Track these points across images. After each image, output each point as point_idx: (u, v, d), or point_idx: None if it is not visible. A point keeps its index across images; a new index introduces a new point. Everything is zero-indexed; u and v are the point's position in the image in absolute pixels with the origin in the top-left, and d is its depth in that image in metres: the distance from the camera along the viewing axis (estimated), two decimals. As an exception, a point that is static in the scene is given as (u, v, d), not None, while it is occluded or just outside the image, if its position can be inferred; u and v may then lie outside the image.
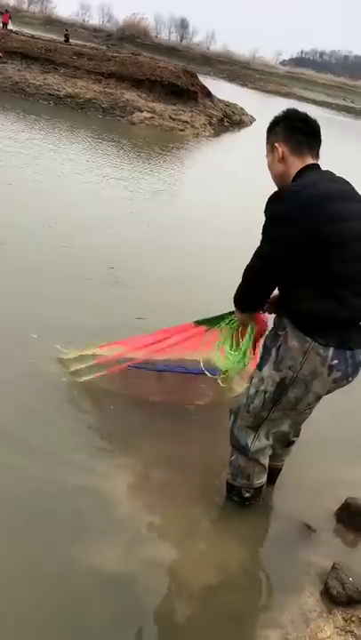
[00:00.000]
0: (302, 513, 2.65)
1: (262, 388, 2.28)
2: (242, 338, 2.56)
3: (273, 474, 2.69)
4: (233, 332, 2.60)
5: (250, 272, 2.21)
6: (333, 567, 2.30)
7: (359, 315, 2.13)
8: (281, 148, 2.21)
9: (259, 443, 2.42)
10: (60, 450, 2.72)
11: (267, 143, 2.30)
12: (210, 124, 17.25)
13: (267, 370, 2.26)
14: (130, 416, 3.05)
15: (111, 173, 8.63)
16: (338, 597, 2.20)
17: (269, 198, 2.12)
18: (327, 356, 2.11)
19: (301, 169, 2.19)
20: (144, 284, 4.77)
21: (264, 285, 2.21)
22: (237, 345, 2.60)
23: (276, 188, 2.20)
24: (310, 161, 2.21)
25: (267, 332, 2.39)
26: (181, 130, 15.39)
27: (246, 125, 20.89)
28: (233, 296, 2.36)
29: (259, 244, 2.14)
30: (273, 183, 2.30)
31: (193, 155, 13.13)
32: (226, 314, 2.62)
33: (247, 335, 2.49)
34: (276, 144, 2.23)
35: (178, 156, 12.19)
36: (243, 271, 2.23)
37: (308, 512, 2.66)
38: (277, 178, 2.27)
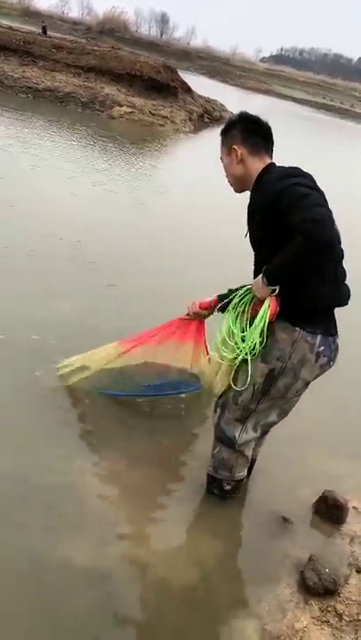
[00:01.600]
0: (280, 506, 2.69)
1: (250, 380, 2.30)
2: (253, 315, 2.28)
3: (250, 465, 2.72)
4: (247, 305, 2.32)
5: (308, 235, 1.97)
6: (310, 559, 2.34)
7: (345, 301, 2.25)
8: (240, 150, 2.26)
9: (246, 435, 2.44)
10: (34, 445, 2.71)
11: (223, 146, 2.34)
12: (190, 119, 17.23)
13: (253, 363, 2.28)
14: (108, 413, 3.04)
15: (89, 167, 8.59)
16: (314, 588, 2.24)
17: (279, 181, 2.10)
18: (315, 344, 2.21)
19: (265, 168, 2.25)
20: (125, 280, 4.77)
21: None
22: (250, 321, 2.28)
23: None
24: (269, 161, 2.28)
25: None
26: (161, 125, 15.35)
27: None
28: (265, 268, 2.16)
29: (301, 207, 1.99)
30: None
31: (172, 150, 13.12)
32: (238, 288, 2.41)
33: (262, 312, 2.22)
34: (234, 146, 2.27)
35: (157, 152, 12.17)
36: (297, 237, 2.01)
37: (285, 505, 2.70)
38: (237, 180, 2.33)
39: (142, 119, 15.11)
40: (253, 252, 2.35)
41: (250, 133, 2.27)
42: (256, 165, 2.26)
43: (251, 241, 2.32)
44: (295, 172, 2.13)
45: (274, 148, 2.34)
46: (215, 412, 2.50)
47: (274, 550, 2.44)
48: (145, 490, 2.61)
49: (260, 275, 2.17)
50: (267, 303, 2.20)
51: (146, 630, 2.02)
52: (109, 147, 10.80)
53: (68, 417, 2.95)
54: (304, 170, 2.17)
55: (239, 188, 2.36)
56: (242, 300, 2.34)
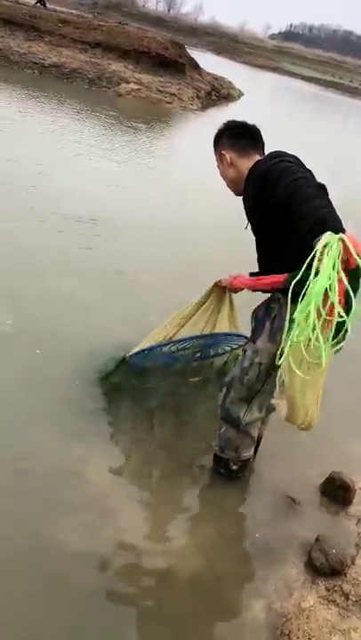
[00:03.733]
0: (287, 486, 2.69)
1: (257, 360, 2.34)
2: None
3: (256, 444, 2.73)
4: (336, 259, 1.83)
5: None
6: (317, 539, 2.35)
7: None
8: (228, 155, 2.41)
9: (251, 415, 2.46)
10: (35, 427, 2.68)
11: (215, 154, 2.50)
12: (197, 97, 17.01)
13: (261, 342, 2.33)
14: (112, 399, 2.98)
15: (96, 144, 8.50)
16: (321, 568, 2.26)
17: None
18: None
19: (254, 164, 2.32)
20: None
21: None
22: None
23: None
24: (258, 158, 2.36)
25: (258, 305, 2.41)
26: (168, 102, 15.16)
27: (234, 99, 20.64)
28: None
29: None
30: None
31: (180, 128, 12.98)
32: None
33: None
34: (223, 152, 2.42)
35: (163, 130, 12.04)
36: None
37: (292, 486, 2.70)
38: (231, 182, 2.45)
39: (149, 96, 14.92)
40: (256, 245, 2.40)
41: (236, 138, 2.41)
42: (246, 164, 2.36)
43: (254, 233, 2.39)
44: (277, 154, 2.21)
45: (273, 142, 2.49)
46: (221, 390, 2.53)
47: (281, 531, 2.45)
48: (148, 472, 2.61)
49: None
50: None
51: (151, 610, 2.03)
52: (116, 124, 10.68)
53: (69, 396, 2.94)
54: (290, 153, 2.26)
55: (237, 190, 2.44)
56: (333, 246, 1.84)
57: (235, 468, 2.59)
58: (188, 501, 2.52)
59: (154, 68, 16.66)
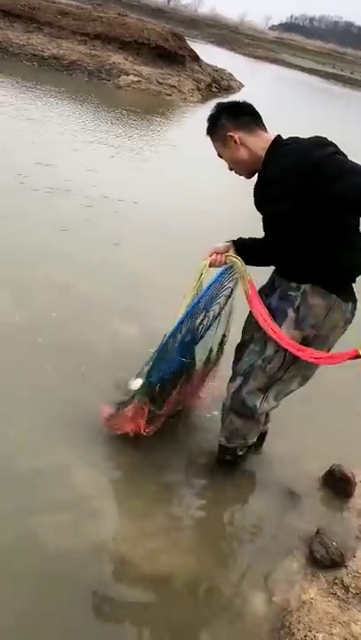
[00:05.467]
0: (287, 480, 2.70)
1: (283, 347, 2.24)
2: None
3: (262, 437, 2.74)
4: None
5: None
6: (317, 532, 2.36)
7: None
8: (236, 134, 2.20)
9: (267, 405, 2.40)
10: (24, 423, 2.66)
11: (216, 142, 2.27)
12: (198, 89, 16.91)
13: (286, 329, 2.23)
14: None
15: (101, 138, 8.47)
16: (322, 561, 2.26)
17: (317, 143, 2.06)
18: (347, 310, 2.23)
19: (275, 140, 2.18)
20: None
21: None
22: None
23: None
24: (268, 135, 2.21)
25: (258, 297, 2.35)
26: (168, 95, 15.07)
27: (235, 91, 20.52)
28: None
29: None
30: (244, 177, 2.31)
31: (179, 120, 12.91)
32: None
33: None
34: (229, 134, 2.20)
35: (163, 122, 11.98)
36: None
37: (293, 479, 2.71)
38: (244, 164, 2.25)
39: (149, 88, 14.84)
40: (267, 231, 2.32)
41: (237, 116, 2.22)
42: (257, 142, 2.21)
43: (268, 219, 2.27)
44: (325, 142, 2.07)
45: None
46: (234, 380, 2.43)
47: (281, 524, 2.46)
48: (146, 464, 2.59)
49: None
50: None
51: (150, 604, 2.04)
52: (116, 117, 10.63)
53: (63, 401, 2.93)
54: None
55: (250, 172, 2.28)
56: None
57: (241, 453, 2.58)
58: (186, 496, 2.52)
59: (154, 60, 16.56)
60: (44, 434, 2.61)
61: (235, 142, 2.20)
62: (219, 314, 2.62)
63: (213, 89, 18.79)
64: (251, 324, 2.47)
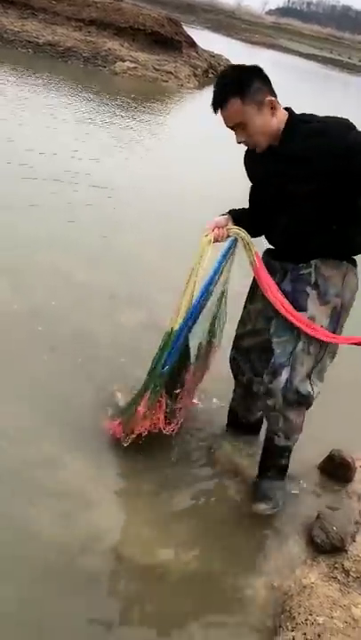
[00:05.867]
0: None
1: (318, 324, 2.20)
2: None
3: (260, 423, 2.76)
4: None
5: None
6: (318, 517, 2.36)
7: None
8: (274, 100, 2.04)
9: (316, 387, 2.29)
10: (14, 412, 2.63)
11: (247, 105, 2.01)
12: (194, 75, 16.77)
13: (312, 308, 2.18)
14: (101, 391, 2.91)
15: (95, 123, 8.41)
16: (322, 546, 2.27)
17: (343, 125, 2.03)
18: (357, 275, 2.25)
19: (291, 114, 2.11)
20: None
21: None
22: None
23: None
24: (281, 105, 2.10)
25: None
26: (165, 81, 14.95)
27: (231, 77, 20.36)
28: None
29: None
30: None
31: (175, 107, 12.82)
32: None
33: None
34: (267, 99, 2.03)
35: (160, 109, 11.89)
36: None
37: (292, 464, 2.69)
38: (269, 136, 2.08)
39: (146, 75, 14.71)
40: (275, 211, 2.21)
41: (268, 81, 2.06)
42: (282, 114, 2.08)
43: (285, 199, 2.15)
44: (352, 124, 2.02)
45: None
46: (278, 375, 2.23)
47: (282, 509, 2.46)
48: (141, 454, 2.54)
49: None
50: None
51: (147, 594, 2.04)
52: (115, 104, 10.55)
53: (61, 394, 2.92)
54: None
55: (268, 144, 2.10)
56: None
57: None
58: (182, 485, 2.50)
59: (150, 46, 16.40)
60: (39, 424, 2.60)
61: (272, 109, 2.04)
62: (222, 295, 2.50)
63: (210, 75, 18.61)
64: (251, 312, 2.45)
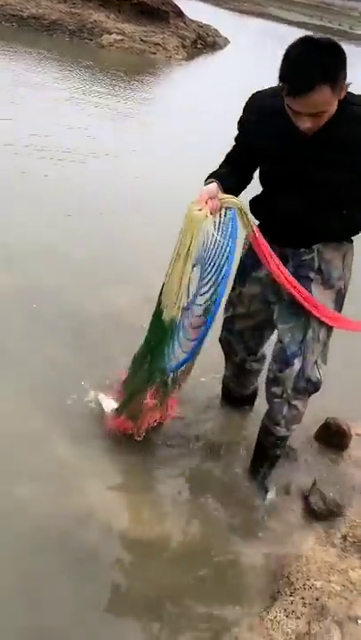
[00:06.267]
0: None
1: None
2: None
3: (254, 395, 2.76)
4: None
5: None
6: (314, 483, 2.39)
7: None
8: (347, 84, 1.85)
9: (322, 370, 2.24)
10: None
11: (336, 95, 1.80)
12: (183, 46, 16.45)
13: (319, 294, 2.12)
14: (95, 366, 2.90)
15: (82, 97, 8.27)
16: (319, 512, 2.30)
17: None
18: (353, 251, 2.22)
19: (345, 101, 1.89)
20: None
21: None
22: None
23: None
24: None
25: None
26: (153, 53, 14.68)
27: (221, 48, 19.99)
28: None
29: None
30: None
31: (164, 79, 12.63)
32: None
33: None
34: (345, 84, 1.82)
35: (154, 81, 11.71)
36: None
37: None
38: (324, 119, 1.86)
39: (133, 47, 14.44)
40: (296, 196, 2.04)
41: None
42: None
43: (311, 185, 2.00)
44: None
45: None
46: (291, 365, 2.17)
47: (278, 477, 2.47)
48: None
49: None
50: None
51: (143, 568, 2.05)
52: (106, 79, 10.38)
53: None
54: None
55: (318, 126, 1.88)
56: None
57: None
58: (176, 459, 2.50)
59: (136, 17, 16.07)
60: (30, 402, 2.58)
61: (339, 93, 1.82)
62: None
63: (199, 46, 18.29)
64: (243, 295, 2.35)
